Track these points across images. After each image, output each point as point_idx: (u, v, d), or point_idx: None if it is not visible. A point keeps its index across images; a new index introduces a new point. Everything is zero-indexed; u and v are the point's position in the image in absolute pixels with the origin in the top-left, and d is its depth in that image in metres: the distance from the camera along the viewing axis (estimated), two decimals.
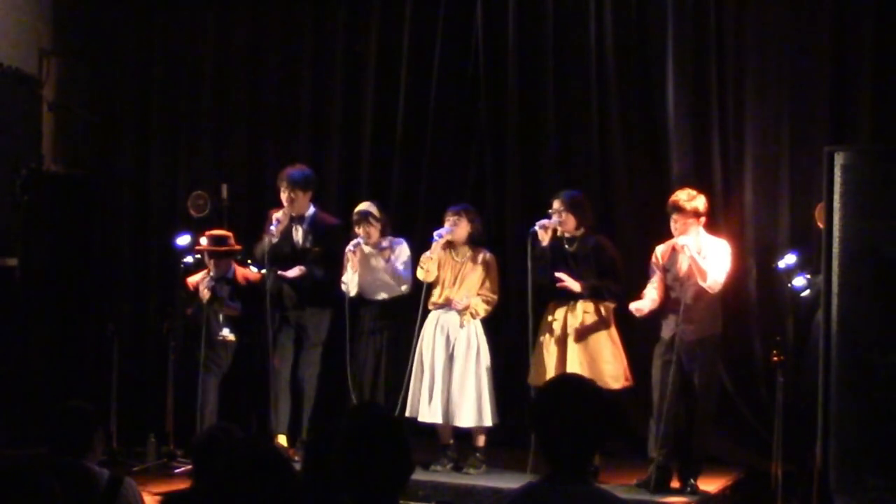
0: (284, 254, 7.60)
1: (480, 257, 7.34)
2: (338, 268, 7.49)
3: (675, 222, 6.78)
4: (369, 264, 7.44)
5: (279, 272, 7.52)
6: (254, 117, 9.07)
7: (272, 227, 7.47)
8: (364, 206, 7.53)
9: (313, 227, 7.66)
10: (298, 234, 7.66)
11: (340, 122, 8.84)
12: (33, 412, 7.95)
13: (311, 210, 7.70)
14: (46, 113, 8.87)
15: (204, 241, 7.68)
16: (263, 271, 7.71)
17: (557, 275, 6.96)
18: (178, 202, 8.88)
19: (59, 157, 9.00)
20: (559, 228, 7.07)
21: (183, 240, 7.96)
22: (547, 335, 7.07)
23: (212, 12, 9.14)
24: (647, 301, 6.85)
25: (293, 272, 7.53)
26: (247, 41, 9.08)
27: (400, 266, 7.44)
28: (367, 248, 7.42)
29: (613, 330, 7.09)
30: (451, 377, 7.19)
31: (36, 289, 8.69)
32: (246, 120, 9.07)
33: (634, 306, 6.83)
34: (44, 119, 8.87)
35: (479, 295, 7.26)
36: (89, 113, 9.13)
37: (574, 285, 6.95)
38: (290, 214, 7.55)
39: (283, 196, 7.58)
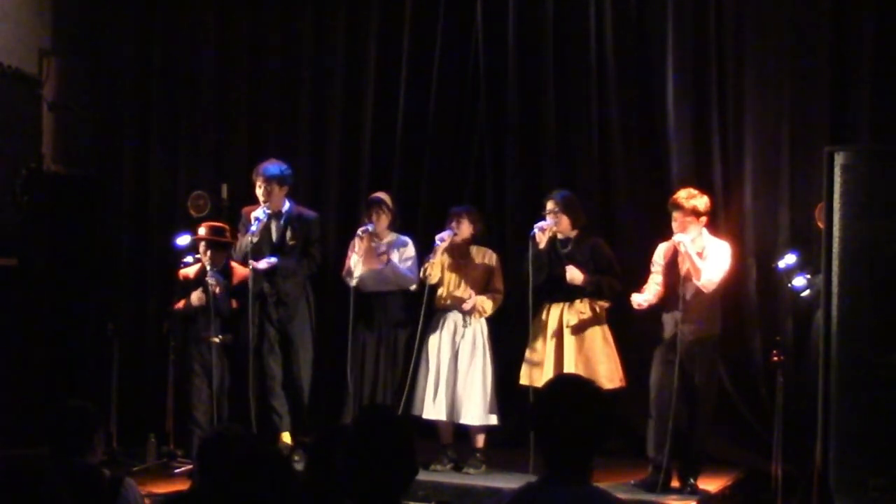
0: (262, 252, 7.54)
1: (484, 257, 7.37)
2: (314, 261, 7.58)
3: (675, 220, 6.80)
4: (372, 259, 7.43)
5: (251, 262, 7.42)
6: (254, 117, 9.07)
7: (253, 228, 7.40)
8: (378, 193, 7.55)
9: (290, 221, 7.61)
10: (275, 231, 7.61)
11: (340, 122, 8.84)
12: (33, 412, 7.95)
13: (288, 205, 7.64)
14: (46, 113, 8.86)
15: (202, 230, 7.67)
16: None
17: (567, 267, 6.97)
18: (178, 202, 8.88)
19: (59, 157, 8.99)
20: (554, 229, 7.08)
21: (183, 240, 7.95)
22: (542, 335, 7.09)
23: (212, 12, 9.14)
24: (649, 295, 6.85)
25: (262, 264, 7.48)
26: (247, 41, 9.08)
27: (405, 266, 7.42)
28: (372, 242, 7.40)
29: (607, 330, 7.13)
30: (457, 375, 7.21)
31: (36, 289, 8.69)
32: (246, 120, 9.07)
33: (637, 300, 6.82)
34: (44, 119, 8.86)
35: (485, 293, 7.28)
36: (89, 113, 9.13)
37: (578, 276, 6.96)
38: (267, 212, 7.46)
39: (259, 191, 7.51)
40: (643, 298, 6.82)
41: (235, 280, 7.63)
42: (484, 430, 7.32)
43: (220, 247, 7.61)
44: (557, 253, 7.13)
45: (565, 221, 7.10)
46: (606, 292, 7.06)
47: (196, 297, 7.53)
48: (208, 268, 7.54)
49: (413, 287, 7.44)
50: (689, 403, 6.78)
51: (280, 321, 7.63)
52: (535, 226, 7.05)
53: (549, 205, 7.12)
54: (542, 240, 7.02)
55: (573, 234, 7.14)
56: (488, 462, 7.28)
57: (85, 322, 8.97)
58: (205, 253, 7.60)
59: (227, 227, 7.74)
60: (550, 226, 7.06)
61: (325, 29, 8.92)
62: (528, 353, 7.17)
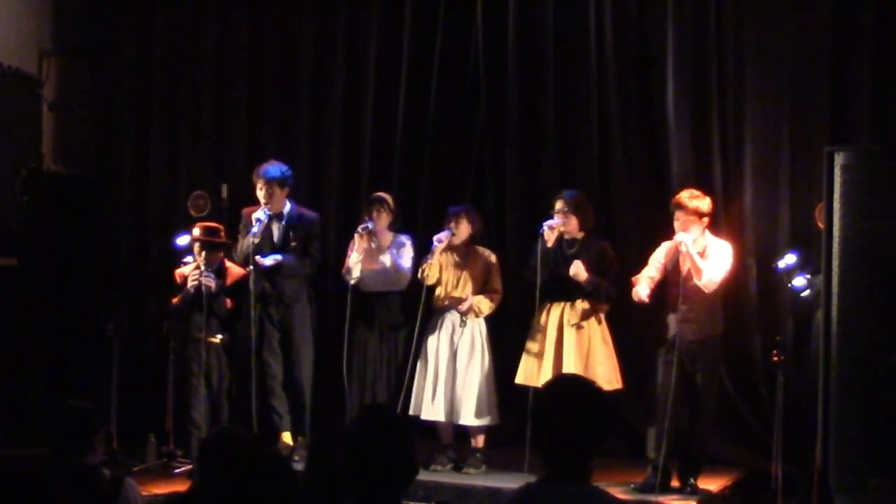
0: (264, 253, 7.54)
1: (482, 257, 7.36)
2: (314, 260, 7.59)
3: (677, 220, 6.79)
4: (371, 258, 7.43)
5: (256, 258, 7.42)
6: (254, 118, 9.07)
7: (254, 229, 7.41)
8: (380, 193, 7.57)
9: (291, 223, 7.61)
10: (277, 232, 7.61)
11: (340, 122, 8.84)
12: (33, 412, 7.95)
13: (288, 206, 7.64)
14: (46, 113, 8.87)
15: (196, 231, 7.67)
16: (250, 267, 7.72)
17: (575, 261, 6.97)
18: (178, 202, 8.88)
19: (59, 157, 9.00)
20: (562, 229, 7.07)
21: (183, 240, 7.96)
22: (540, 335, 7.08)
23: (212, 12, 9.14)
24: (644, 287, 6.83)
25: (268, 261, 7.48)
26: (247, 41, 9.08)
27: (404, 262, 7.43)
28: (371, 242, 7.41)
29: (606, 331, 7.12)
30: (455, 375, 7.21)
31: (36, 289, 8.69)
32: (246, 120, 9.07)
33: (639, 294, 6.80)
34: (44, 119, 8.86)
35: (483, 293, 7.28)
36: (89, 113, 9.13)
37: (583, 272, 6.95)
38: (269, 213, 7.46)
39: (260, 193, 7.50)
40: (644, 294, 6.81)
41: (230, 280, 7.63)
42: (483, 430, 7.32)
43: (215, 247, 7.62)
44: (563, 253, 7.11)
45: (574, 222, 7.08)
46: (602, 295, 7.05)
47: (190, 280, 7.52)
48: (203, 268, 7.55)
49: (405, 282, 7.43)
50: (691, 403, 6.78)
51: (281, 321, 7.62)
52: (545, 223, 7.03)
53: (559, 204, 7.09)
54: (550, 238, 7.01)
55: (580, 235, 7.12)
56: (488, 462, 7.28)
57: (85, 322, 8.96)
58: (199, 253, 7.61)
59: (221, 227, 7.74)
60: (559, 224, 7.04)
61: (325, 29, 8.91)
62: (526, 352, 7.16)
